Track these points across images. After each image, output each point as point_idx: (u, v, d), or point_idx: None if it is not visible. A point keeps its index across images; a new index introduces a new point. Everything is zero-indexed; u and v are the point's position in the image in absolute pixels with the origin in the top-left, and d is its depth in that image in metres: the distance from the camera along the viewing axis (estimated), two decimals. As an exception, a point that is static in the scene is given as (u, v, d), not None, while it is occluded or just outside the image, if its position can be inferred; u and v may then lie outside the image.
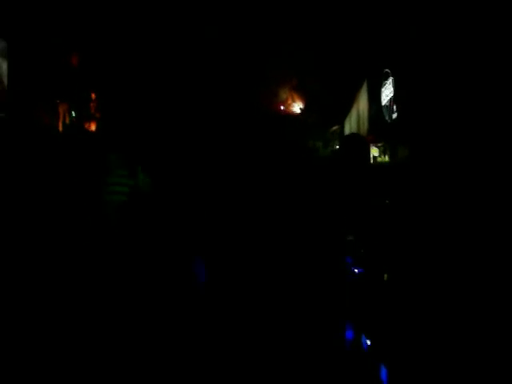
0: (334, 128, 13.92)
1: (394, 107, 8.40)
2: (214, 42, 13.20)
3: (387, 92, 8.84)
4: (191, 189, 7.55)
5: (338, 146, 13.17)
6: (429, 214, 4.90)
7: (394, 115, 8.39)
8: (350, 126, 12.93)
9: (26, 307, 4.75)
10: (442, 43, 5.84)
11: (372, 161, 8.91)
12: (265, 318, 4.60)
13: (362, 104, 11.20)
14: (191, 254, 5.89)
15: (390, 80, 8.60)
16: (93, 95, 13.02)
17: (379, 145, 8.97)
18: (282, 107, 14.68)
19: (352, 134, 10.65)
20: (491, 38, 4.61)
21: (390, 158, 8.56)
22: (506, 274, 3.10)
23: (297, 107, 14.59)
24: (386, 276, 3.87)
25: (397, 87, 8.25)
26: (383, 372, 3.20)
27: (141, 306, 5.06)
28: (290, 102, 14.63)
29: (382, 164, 8.65)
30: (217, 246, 5.83)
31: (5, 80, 9.63)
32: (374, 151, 9.02)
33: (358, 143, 8.47)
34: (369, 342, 3.63)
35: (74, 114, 12.23)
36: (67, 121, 12.49)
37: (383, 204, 5.64)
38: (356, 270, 4.43)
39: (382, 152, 8.90)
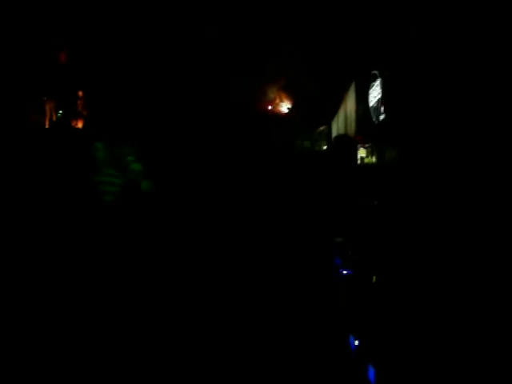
0: (322, 128, 13.96)
1: (382, 109, 8.44)
2: (203, 41, 13.19)
3: (375, 93, 8.89)
4: (180, 186, 7.56)
5: (325, 147, 13.23)
6: (416, 214, 4.95)
7: (382, 116, 8.44)
8: (337, 127, 12.97)
9: (16, 303, 4.75)
10: (430, 47, 5.90)
11: (360, 162, 8.96)
12: (252, 317, 4.62)
13: (350, 105, 11.24)
14: (185, 251, 5.91)
15: (378, 82, 8.65)
16: (80, 93, 12.94)
17: (367, 146, 9.01)
18: (269, 107, 14.68)
19: (340, 135, 10.71)
20: (478, 44, 4.67)
21: (377, 158, 8.60)
22: (491, 275, 3.15)
23: (284, 107, 14.60)
24: (374, 277, 3.91)
25: (385, 89, 8.30)
26: (371, 372, 3.24)
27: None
28: (277, 101, 14.64)
29: (370, 165, 8.69)
30: (206, 248, 5.86)
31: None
32: (362, 152, 9.06)
33: (347, 144, 8.53)
34: (357, 343, 3.67)
35: (60, 111, 12.16)
36: (54, 118, 12.43)
37: (371, 205, 5.68)
38: (344, 272, 4.47)
39: (370, 153, 8.94)
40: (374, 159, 8.77)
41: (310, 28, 12.13)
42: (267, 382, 3.80)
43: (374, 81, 8.93)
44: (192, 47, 13.17)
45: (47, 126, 12.17)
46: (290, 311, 4.52)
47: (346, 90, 11.61)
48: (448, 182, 4.94)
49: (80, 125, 12.78)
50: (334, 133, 13.11)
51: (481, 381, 2.74)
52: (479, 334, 2.86)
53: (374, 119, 8.95)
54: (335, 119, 13.40)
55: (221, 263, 5.52)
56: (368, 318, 3.71)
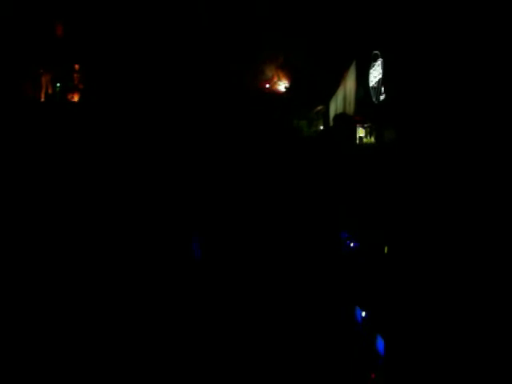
0: (319, 108, 13.94)
1: (382, 89, 8.48)
2: (202, 19, 13.10)
3: (375, 73, 8.91)
4: (174, 166, 7.55)
5: (322, 126, 13.24)
6: (416, 194, 5.02)
7: (382, 97, 8.48)
8: (335, 107, 12.98)
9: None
10: (433, 29, 5.91)
11: (359, 141, 9.01)
12: (258, 293, 4.68)
13: (349, 85, 11.25)
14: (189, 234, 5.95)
15: (379, 62, 8.67)
16: (76, 66, 12.81)
17: (366, 125, 9.06)
18: (267, 85, 14.62)
19: (340, 114, 10.74)
20: (479, 28, 4.70)
21: (376, 138, 8.66)
22: (490, 242, 3.23)
23: (282, 85, 14.55)
24: (384, 248, 3.99)
25: (386, 69, 8.33)
26: (380, 343, 3.31)
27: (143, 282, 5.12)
28: (275, 80, 14.58)
29: (369, 144, 8.75)
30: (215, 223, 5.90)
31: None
32: (361, 132, 9.11)
33: (346, 123, 8.57)
34: (364, 314, 3.74)
35: (58, 84, 12.06)
36: (50, 91, 12.34)
37: (372, 183, 5.75)
38: (352, 244, 4.54)
39: (369, 133, 8.99)
40: (373, 139, 8.83)
41: (311, 5, 12.07)
42: (276, 355, 3.87)
43: (375, 61, 8.95)
44: (190, 24, 13.07)
45: (43, 100, 12.09)
46: (298, 285, 4.59)
47: (345, 69, 11.61)
48: (445, 160, 5.01)
49: (76, 98, 12.69)
50: (332, 112, 13.12)
51: (488, 352, 2.82)
52: (487, 309, 2.93)
53: (374, 99, 8.98)
54: (333, 99, 13.39)
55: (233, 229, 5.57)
56: (376, 290, 3.78)
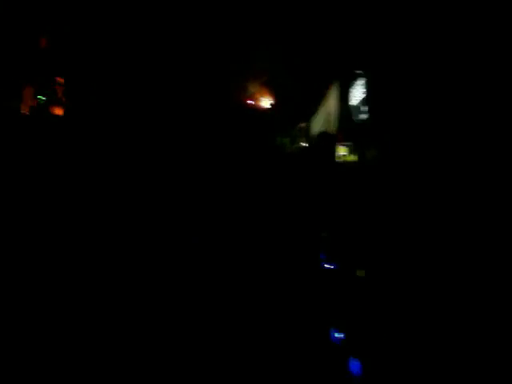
0: (302, 125, 13.98)
1: (364, 108, 8.54)
2: (185, 34, 13.11)
3: (357, 93, 8.98)
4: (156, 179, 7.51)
5: (304, 143, 13.27)
6: (397, 212, 5.03)
7: (363, 115, 8.54)
8: (317, 124, 13.03)
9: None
10: (416, 49, 5.98)
11: (340, 159, 9.03)
12: (235, 312, 4.64)
13: (332, 103, 11.32)
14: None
15: (362, 81, 8.74)
16: (60, 79, 12.73)
17: (347, 144, 9.10)
18: (250, 102, 14.65)
19: (321, 133, 10.78)
20: (460, 48, 4.75)
21: (358, 157, 8.70)
22: (473, 271, 3.24)
23: (265, 102, 14.59)
24: (359, 272, 3.98)
25: (368, 89, 8.40)
26: (354, 365, 3.29)
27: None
28: (258, 96, 14.61)
29: (350, 163, 8.78)
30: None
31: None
32: (343, 150, 9.14)
33: (327, 141, 8.60)
34: (341, 336, 3.72)
35: (43, 98, 11.97)
36: (33, 104, 12.24)
37: (353, 202, 5.75)
38: (329, 266, 4.52)
39: (350, 151, 9.03)
40: (354, 157, 8.86)
41: (294, 25, 12.15)
42: (249, 374, 3.83)
43: (357, 80, 9.03)
44: (173, 39, 13.08)
45: (25, 113, 11.98)
46: (274, 306, 4.55)
47: (327, 87, 11.69)
48: (427, 180, 5.03)
49: (60, 112, 12.60)
50: (315, 130, 13.16)
51: (468, 373, 2.81)
52: (466, 329, 2.93)
53: (356, 118, 9.04)
54: (316, 116, 13.45)
55: (203, 264, 5.54)
56: (352, 312, 3.77)
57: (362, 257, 4.28)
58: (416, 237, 4.26)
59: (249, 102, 14.69)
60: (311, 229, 5.52)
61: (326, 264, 4.57)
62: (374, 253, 4.24)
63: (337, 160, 8.99)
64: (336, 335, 3.75)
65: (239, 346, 4.11)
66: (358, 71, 9.06)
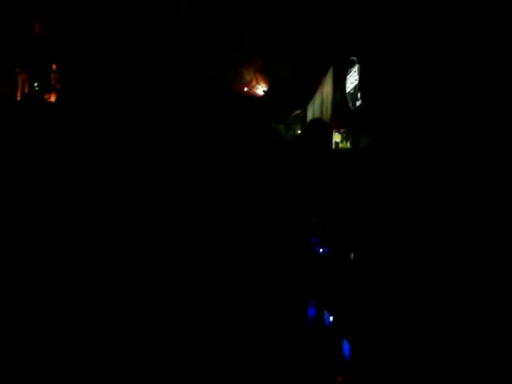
0: (297, 112, 14.02)
1: (359, 95, 8.53)
2: (180, 21, 13.08)
3: (352, 79, 8.97)
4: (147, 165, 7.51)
5: (299, 131, 13.31)
6: (390, 199, 5.07)
7: (358, 103, 8.54)
8: (312, 111, 13.05)
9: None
10: (410, 34, 5.98)
11: (334, 146, 9.06)
12: (228, 297, 4.68)
13: (326, 90, 11.32)
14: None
15: (356, 67, 8.72)
16: (54, 66, 12.70)
17: (342, 131, 9.12)
18: (245, 89, 14.67)
19: (315, 119, 10.80)
20: (456, 35, 4.76)
21: (352, 144, 8.72)
22: (464, 256, 3.29)
23: (260, 89, 14.61)
24: (352, 255, 4.02)
25: (362, 75, 8.38)
26: (345, 347, 3.34)
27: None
28: (254, 83, 14.63)
29: (344, 150, 8.81)
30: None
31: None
32: (337, 137, 9.16)
33: (321, 128, 8.62)
34: (331, 319, 3.76)
35: (36, 84, 11.96)
36: (26, 91, 12.23)
37: (347, 188, 5.79)
38: (321, 250, 4.56)
39: (345, 138, 9.05)
40: (348, 144, 8.88)
41: (290, 11, 12.14)
42: (240, 357, 3.87)
43: (352, 67, 9.01)
44: (169, 26, 13.04)
45: (19, 99, 11.96)
46: (266, 290, 4.60)
47: (323, 74, 11.68)
48: (420, 167, 5.07)
49: (53, 99, 12.58)
50: (310, 117, 13.19)
51: (460, 358, 2.86)
52: (456, 309, 2.98)
53: (351, 105, 9.04)
54: (311, 103, 13.47)
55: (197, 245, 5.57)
56: (344, 295, 3.81)
57: (353, 241, 4.32)
58: (408, 222, 4.30)
59: (244, 89, 14.71)
60: (303, 214, 5.56)
61: (318, 247, 4.62)
62: (366, 237, 4.29)
63: (332, 147, 9.02)
64: (328, 318, 3.80)
65: (231, 329, 4.16)
66: (353, 57, 9.04)
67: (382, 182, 5.62)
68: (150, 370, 3.89)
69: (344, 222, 4.84)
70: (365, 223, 4.56)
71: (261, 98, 14.54)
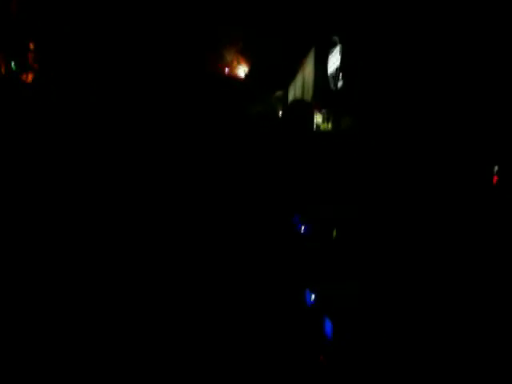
0: (278, 93, 13.93)
1: (340, 75, 8.51)
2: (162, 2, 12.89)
3: (334, 60, 8.93)
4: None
5: (281, 112, 13.24)
6: (369, 176, 5.08)
7: (340, 83, 8.51)
8: (294, 92, 13.00)
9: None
10: (393, 14, 5.95)
11: (315, 127, 9.04)
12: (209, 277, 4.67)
13: (308, 70, 11.27)
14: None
15: (338, 48, 8.68)
16: (31, 45, 12.42)
17: (323, 111, 9.10)
18: (226, 69, 14.53)
19: (297, 100, 10.76)
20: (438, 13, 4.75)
21: (333, 124, 8.71)
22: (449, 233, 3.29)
23: (242, 70, 14.47)
24: (334, 232, 4.01)
25: (344, 56, 8.35)
26: (328, 325, 3.33)
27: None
28: (235, 64, 14.49)
29: (325, 130, 8.80)
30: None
31: None
32: (318, 117, 9.14)
33: (302, 108, 8.58)
34: (313, 297, 3.75)
35: (13, 63, 11.71)
36: (3, 71, 11.97)
37: (328, 167, 5.78)
38: (303, 228, 4.54)
39: (326, 119, 9.03)
40: (329, 125, 8.87)
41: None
42: (226, 337, 3.86)
43: (334, 47, 8.97)
44: (150, 6, 12.84)
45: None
46: (250, 268, 4.58)
47: (304, 55, 11.62)
48: (398, 147, 5.09)
49: (30, 78, 12.34)
50: (291, 98, 13.13)
51: (436, 336, 2.87)
52: (436, 286, 2.99)
53: (332, 86, 9.01)
54: (292, 84, 13.41)
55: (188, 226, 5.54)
56: (326, 272, 3.81)
57: (335, 218, 4.32)
58: (387, 199, 4.31)
59: (225, 70, 14.57)
60: (285, 193, 5.55)
61: (300, 226, 4.60)
62: (348, 214, 4.29)
63: (313, 127, 9.00)
64: (310, 296, 3.79)
65: (221, 309, 4.14)
66: (335, 37, 8.99)
67: (363, 161, 5.63)
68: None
69: (326, 201, 4.83)
70: (345, 201, 4.57)
71: (242, 79, 14.41)
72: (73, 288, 4.87)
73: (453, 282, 3.06)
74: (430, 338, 2.88)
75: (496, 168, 3.69)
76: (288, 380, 3.38)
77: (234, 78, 14.36)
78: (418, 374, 2.88)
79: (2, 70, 11.91)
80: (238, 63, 14.53)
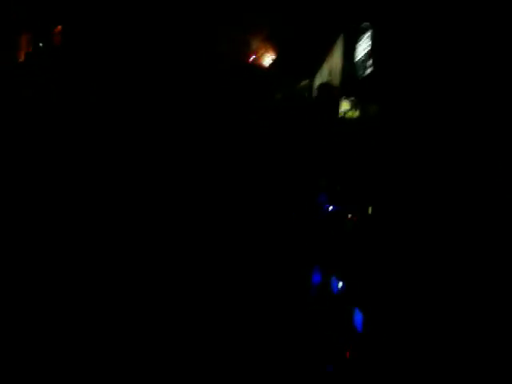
0: (305, 82, 13.73)
1: (370, 61, 8.25)
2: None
3: (364, 46, 8.67)
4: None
5: (307, 100, 13.06)
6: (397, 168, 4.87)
7: (369, 70, 8.26)
8: (321, 81, 12.76)
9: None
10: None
11: (343, 115, 8.80)
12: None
13: (336, 59, 11.03)
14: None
15: (368, 33, 8.42)
16: (58, 27, 12.41)
17: (351, 99, 8.85)
18: (253, 58, 14.36)
19: (323, 84, 10.54)
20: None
21: (360, 112, 8.47)
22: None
23: (268, 58, 14.29)
24: (369, 210, 3.79)
25: (375, 41, 8.09)
26: (358, 317, 3.09)
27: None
28: (261, 52, 14.31)
29: (353, 118, 8.56)
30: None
31: None
32: (345, 105, 8.89)
33: (329, 93, 8.36)
34: (340, 285, 3.52)
35: (41, 44, 11.70)
36: (30, 51, 12.01)
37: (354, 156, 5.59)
38: (330, 208, 4.33)
39: (353, 106, 8.78)
40: (357, 113, 8.63)
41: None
42: (246, 331, 3.71)
43: (364, 33, 8.71)
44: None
45: (22, 60, 11.73)
46: (273, 254, 4.41)
47: (332, 42, 11.37)
48: (428, 136, 4.87)
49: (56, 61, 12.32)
50: (317, 86, 12.91)
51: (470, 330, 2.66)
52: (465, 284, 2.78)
53: (361, 72, 8.76)
54: (319, 73, 13.18)
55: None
56: (355, 259, 3.58)
57: (367, 197, 4.11)
58: (419, 191, 4.10)
59: (252, 57, 14.41)
60: (311, 175, 5.36)
61: (327, 206, 4.39)
62: (375, 200, 4.08)
63: (340, 115, 8.78)
64: (337, 284, 3.56)
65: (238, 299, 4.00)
66: (363, 24, 8.74)
67: (389, 151, 5.42)
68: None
69: (354, 182, 4.62)
70: (375, 183, 4.35)
71: (268, 67, 14.23)
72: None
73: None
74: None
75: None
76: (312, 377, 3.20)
77: (260, 66, 14.21)
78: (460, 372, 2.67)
79: (29, 50, 11.94)
80: (265, 51, 14.35)
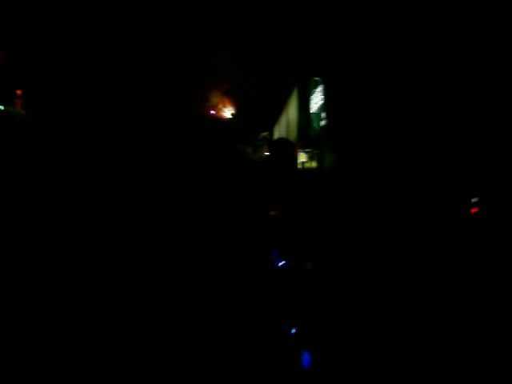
0: (264, 134, 14.08)
1: (323, 114, 8.63)
2: (146, 43, 13.06)
3: (317, 100, 9.08)
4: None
5: (266, 153, 13.36)
6: (351, 213, 5.11)
7: (323, 122, 8.63)
8: (279, 133, 13.14)
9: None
10: (371, 55, 6.09)
11: (301, 166, 9.11)
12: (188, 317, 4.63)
13: (292, 111, 11.43)
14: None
15: (320, 88, 8.83)
16: (19, 91, 12.56)
17: (307, 150, 9.19)
18: (212, 112, 14.71)
19: (281, 138, 10.86)
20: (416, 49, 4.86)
21: (317, 163, 8.79)
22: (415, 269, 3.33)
23: (228, 112, 14.66)
24: (309, 265, 4.02)
25: (326, 95, 8.49)
26: (306, 358, 3.31)
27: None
28: (220, 106, 14.68)
29: (310, 169, 8.87)
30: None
31: None
32: (302, 157, 9.23)
33: (287, 147, 8.67)
34: (293, 331, 3.73)
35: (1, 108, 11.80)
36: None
37: (312, 205, 5.81)
38: (282, 263, 4.54)
39: (310, 158, 9.12)
40: (314, 164, 8.95)
41: (256, 35, 12.24)
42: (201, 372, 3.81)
43: (316, 87, 9.12)
44: (133, 46, 13.02)
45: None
46: (227, 305, 4.55)
47: (288, 95, 11.79)
48: (377, 183, 5.14)
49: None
50: (276, 138, 13.27)
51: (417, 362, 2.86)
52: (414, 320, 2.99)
53: (315, 125, 9.14)
54: (277, 125, 13.57)
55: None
56: (305, 307, 3.79)
57: (314, 254, 4.33)
58: (369, 237, 4.34)
59: (211, 111, 14.74)
60: (268, 229, 5.56)
61: (280, 261, 4.60)
62: (327, 250, 4.30)
63: (298, 166, 9.07)
64: (289, 330, 3.76)
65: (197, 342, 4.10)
66: (316, 78, 9.16)
67: (345, 197, 5.68)
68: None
69: (306, 237, 4.84)
70: (326, 236, 4.59)
71: (228, 120, 14.59)
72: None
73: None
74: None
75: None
76: None
77: (220, 120, 14.54)
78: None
79: None
80: (224, 105, 14.72)
